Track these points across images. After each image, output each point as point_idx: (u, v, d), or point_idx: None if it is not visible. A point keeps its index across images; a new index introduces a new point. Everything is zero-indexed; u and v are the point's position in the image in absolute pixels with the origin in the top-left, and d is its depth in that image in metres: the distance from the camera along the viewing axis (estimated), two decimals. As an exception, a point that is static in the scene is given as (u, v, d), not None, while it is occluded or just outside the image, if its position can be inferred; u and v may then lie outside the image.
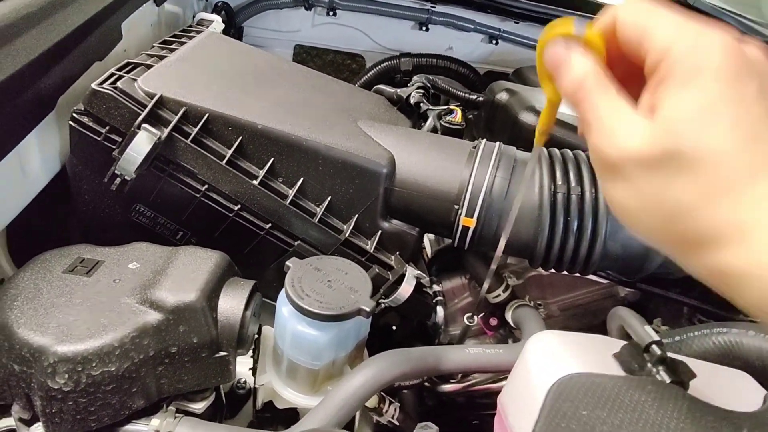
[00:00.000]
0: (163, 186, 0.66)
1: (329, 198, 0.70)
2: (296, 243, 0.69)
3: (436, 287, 0.87)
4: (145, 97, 0.64)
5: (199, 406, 0.56)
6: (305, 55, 1.56)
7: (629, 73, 0.32)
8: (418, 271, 0.72)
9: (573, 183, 0.67)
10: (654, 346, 0.44)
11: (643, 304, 0.87)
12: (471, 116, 1.19)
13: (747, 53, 0.28)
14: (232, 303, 0.56)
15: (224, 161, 0.65)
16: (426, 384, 0.74)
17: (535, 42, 1.50)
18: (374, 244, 0.71)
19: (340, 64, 1.59)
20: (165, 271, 0.56)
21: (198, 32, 0.93)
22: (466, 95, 1.19)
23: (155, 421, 0.51)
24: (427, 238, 0.96)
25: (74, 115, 0.63)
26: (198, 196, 0.66)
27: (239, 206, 0.66)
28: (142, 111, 0.62)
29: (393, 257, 0.73)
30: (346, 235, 0.69)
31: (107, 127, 0.64)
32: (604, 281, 0.84)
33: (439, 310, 0.86)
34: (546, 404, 0.37)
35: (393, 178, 0.71)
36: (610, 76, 0.31)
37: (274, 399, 0.63)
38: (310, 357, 0.58)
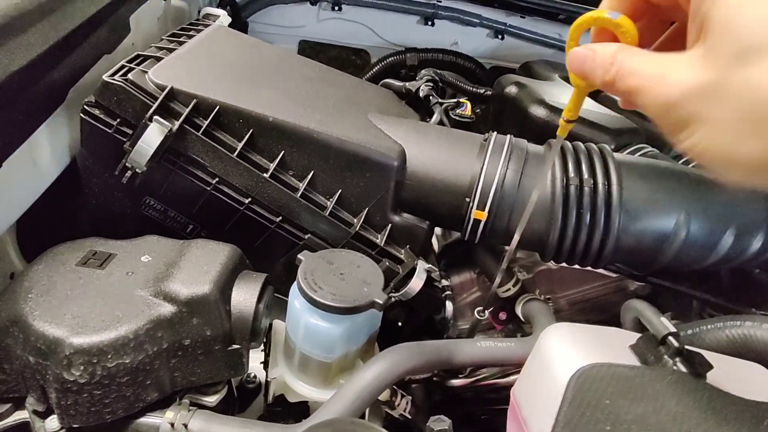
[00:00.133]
0: (173, 179, 0.66)
1: (340, 191, 0.69)
2: (306, 236, 0.68)
3: (444, 282, 0.87)
4: (156, 89, 0.64)
5: (212, 399, 0.56)
6: (310, 51, 1.56)
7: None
8: (429, 265, 0.72)
9: (586, 175, 0.66)
10: (671, 338, 0.44)
11: (652, 298, 0.86)
12: (479, 110, 1.19)
13: None
14: (245, 296, 0.56)
15: (235, 154, 0.65)
16: (435, 378, 0.74)
17: (541, 37, 1.50)
18: (385, 238, 0.71)
19: (345, 60, 1.59)
20: (178, 263, 0.56)
21: (205, 26, 0.92)
22: (474, 89, 1.19)
23: (169, 414, 0.51)
24: (434, 234, 0.96)
25: (85, 107, 0.63)
26: (208, 189, 0.65)
27: (250, 199, 0.66)
28: (153, 103, 0.62)
29: (403, 251, 0.73)
30: (357, 229, 0.69)
31: (118, 120, 0.63)
32: (614, 275, 0.83)
33: (449, 304, 0.86)
34: (568, 394, 0.37)
35: (404, 171, 0.70)
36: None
37: (285, 392, 0.63)
38: (323, 350, 0.58)
